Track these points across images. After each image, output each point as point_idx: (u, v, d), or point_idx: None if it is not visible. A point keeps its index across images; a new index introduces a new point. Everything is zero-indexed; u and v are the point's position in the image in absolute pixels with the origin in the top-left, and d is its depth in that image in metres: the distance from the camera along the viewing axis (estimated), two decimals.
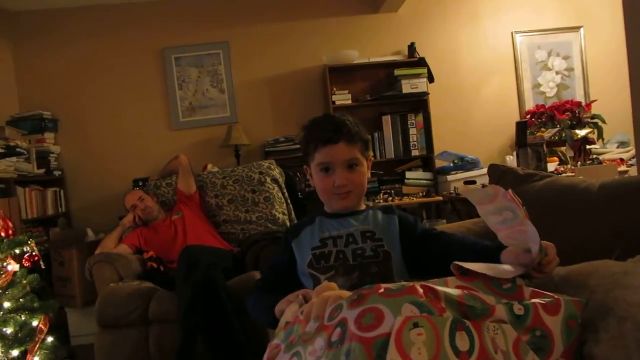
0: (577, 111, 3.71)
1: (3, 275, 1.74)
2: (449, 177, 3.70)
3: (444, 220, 3.44)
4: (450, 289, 0.85)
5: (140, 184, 3.44)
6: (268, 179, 3.08)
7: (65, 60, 3.87)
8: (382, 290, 0.81)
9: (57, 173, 3.70)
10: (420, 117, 3.88)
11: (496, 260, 0.99)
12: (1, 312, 1.73)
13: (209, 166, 3.57)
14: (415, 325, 0.73)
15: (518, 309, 0.82)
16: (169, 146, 3.78)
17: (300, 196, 3.40)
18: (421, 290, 0.80)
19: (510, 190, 0.89)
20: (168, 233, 2.77)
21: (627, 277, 0.82)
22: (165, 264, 2.68)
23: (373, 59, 3.90)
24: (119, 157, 3.87)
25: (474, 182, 3.62)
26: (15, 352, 1.72)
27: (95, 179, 3.82)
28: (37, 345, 1.78)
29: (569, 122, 3.68)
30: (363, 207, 1.34)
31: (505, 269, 0.93)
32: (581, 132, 3.61)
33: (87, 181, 3.82)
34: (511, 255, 0.96)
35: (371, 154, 1.34)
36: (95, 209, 3.76)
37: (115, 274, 2.52)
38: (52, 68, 3.86)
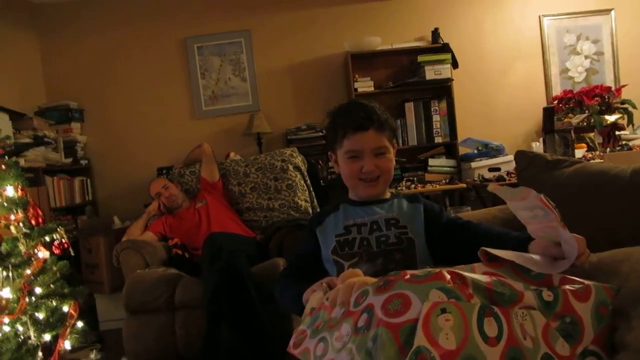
0: (606, 96, 3.60)
1: (34, 262, 1.79)
2: (473, 164, 3.64)
3: (469, 208, 3.39)
4: (477, 275, 0.84)
5: (165, 172, 3.49)
6: (290, 167, 3.08)
7: (89, 51, 3.92)
8: (408, 277, 0.81)
9: (83, 162, 3.77)
10: (443, 104, 3.82)
11: (524, 251, 0.98)
12: (33, 298, 1.78)
13: (232, 154, 3.59)
14: (443, 310, 0.73)
15: (547, 295, 0.81)
16: (192, 135, 3.81)
17: (322, 184, 3.40)
18: (448, 276, 0.79)
19: (542, 195, 0.86)
20: (192, 220, 2.81)
21: None
22: (190, 251, 2.72)
23: (396, 46, 3.85)
24: (143, 146, 3.93)
25: (498, 170, 3.56)
26: (47, 337, 1.77)
27: (120, 168, 3.89)
28: (68, 330, 1.83)
29: (598, 107, 3.57)
30: (388, 195, 1.33)
31: (535, 259, 0.92)
32: (611, 118, 3.50)
33: (113, 170, 3.89)
34: (539, 247, 0.94)
35: (395, 144, 1.33)
36: (121, 197, 3.83)
37: (141, 261, 2.57)
38: (77, 59, 3.92)
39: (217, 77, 3.96)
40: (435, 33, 3.87)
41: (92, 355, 2.24)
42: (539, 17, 4.08)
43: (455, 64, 3.79)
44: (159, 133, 3.94)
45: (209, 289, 2.14)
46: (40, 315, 1.77)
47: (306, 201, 3.05)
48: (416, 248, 1.19)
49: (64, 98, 3.78)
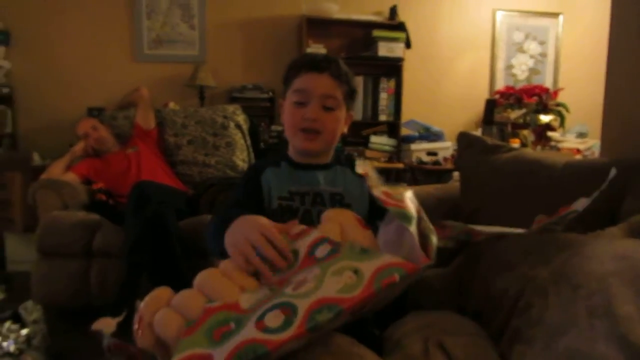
0: (544, 97, 3.77)
1: None
2: (413, 146, 3.71)
3: (405, 184, 3.47)
4: None
5: (96, 113, 3.26)
6: (232, 124, 2.99)
7: None
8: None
9: (5, 90, 3.45)
10: (392, 83, 3.84)
11: None
12: None
13: (171, 104, 3.43)
14: None
15: None
16: (130, 78, 3.58)
17: (263, 146, 3.33)
18: None
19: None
20: (121, 166, 2.66)
21: (586, 247, 0.82)
22: (114, 198, 2.59)
23: (353, 16, 3.80)
24: (75, 82, 3.63)
25: (435, 154, 3.65)
26: None
27: (48, 102, 3.58)
28: None
29: (535, 106, 3.74)
30: (329, 159, 1.22)
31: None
32: (545, 118, 3.68)
33: (39, 103, 3.58)
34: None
35: (352, 113, 1.25)
36: (45, 133, 3.54)
37: (60, 202, 2.41)
38: None
39: (164, 20, 3.72)
40: (393, 10, 3.86)
41: None
42: (493, 10, 4.16)
43: (408, 44, 3.81)
44: (95, 70, 3.67)
45: (130, 239, 2.05)
46: None
47: (244, 161, 2.97)
48: None
49: None
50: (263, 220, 0.88)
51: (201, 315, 0.73)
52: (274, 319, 0.68)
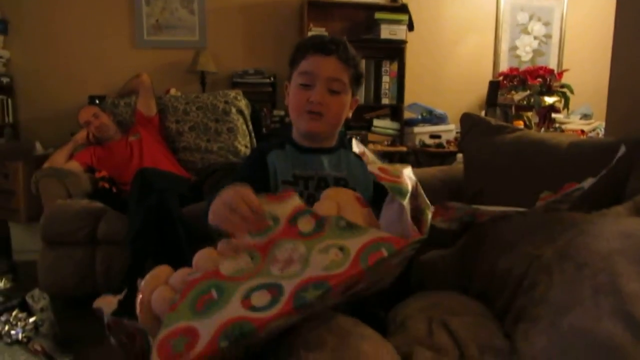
0: (548, 78, 3.72)
1: None
2: (416, 129, 3.69)
3: (409, 165, 3.45)
4: None
5: (97, 101, 3.25)
6: (233, 110, 2.97)
7: None
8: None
9: (5, 80, 3.44)
10: (395, 65, 3.80)
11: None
12: None
13: (172, 91, 3.41)
14: None
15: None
16: (131, 65, 3.55)
17: (264, 132, 3.32)
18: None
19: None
20: (123, 154, 2.66)
21: (591, 226, 0.81)
22: (118, 185, 2.59)
23: None
24: (75, 70, 3.61)
25: (439, 137, 3.63)
26: None
27: (48, 91, 3.57)
28: None
29: (539, 88, 3.69)
30: (334, 143, 1.22)
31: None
32: (549, 100, 3.64)
33: (39, 92, 3.57)
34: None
35: (358, 97, 1.23)
36: (46, 122, 3.54)
37: (63, 191, 2.41)
38: None
39: (163, 6, 3.68)
40: None
41: (2, 284, 2.11)
42: None
43: (411, 27, 3.76)
44: (95, 58, 3.64)
45: (134, 227, 2.04)
46: None
47: (246, 147, 2.96)
48: None
49: None
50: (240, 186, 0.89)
51: (184, 288, 0.73)
52: (260, 298, 0.68)
